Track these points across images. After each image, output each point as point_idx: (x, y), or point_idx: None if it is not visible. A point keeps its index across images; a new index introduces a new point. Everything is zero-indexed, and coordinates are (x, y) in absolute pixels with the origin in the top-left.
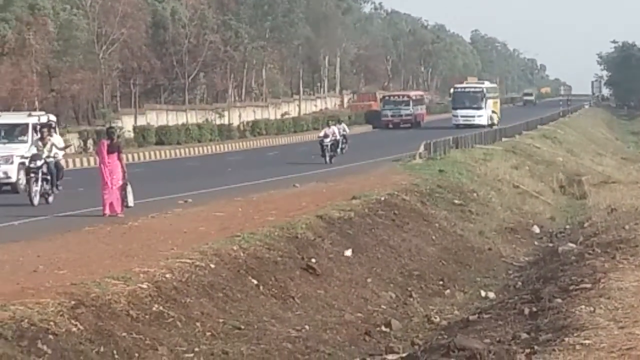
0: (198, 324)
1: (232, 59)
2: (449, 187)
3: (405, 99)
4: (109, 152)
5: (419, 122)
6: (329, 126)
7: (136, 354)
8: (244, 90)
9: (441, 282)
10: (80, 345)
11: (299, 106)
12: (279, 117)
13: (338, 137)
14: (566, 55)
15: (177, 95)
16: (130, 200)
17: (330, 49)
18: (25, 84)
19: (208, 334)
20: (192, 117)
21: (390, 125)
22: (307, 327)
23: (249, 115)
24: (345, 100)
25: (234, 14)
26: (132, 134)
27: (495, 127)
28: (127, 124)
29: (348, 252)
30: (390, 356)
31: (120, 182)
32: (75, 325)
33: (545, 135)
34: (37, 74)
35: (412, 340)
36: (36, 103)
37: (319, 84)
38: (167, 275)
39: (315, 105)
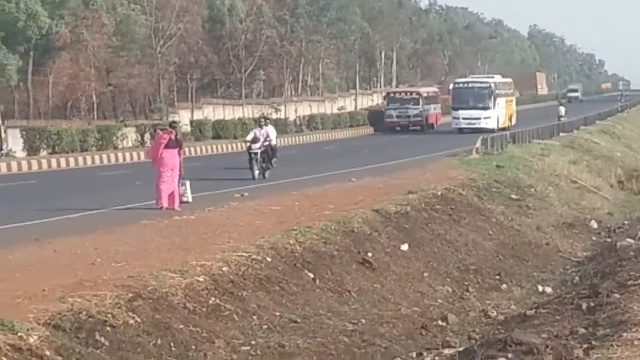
0: (254, 317)
1: (289, 54)
2: (506, 181)
3: (414, 96)
4: (171, 146)
5: (431, 124)
6: (260, 126)
7: (193, 347)
8: (300, 85)
9: (498, 277)
10: (138, 337)
11: (355, 101)
12: (335, 111)
13: (272, 142)
14: (625, 50)
15: (233, 89)
16: (189, 196)
17: (387, 43)
18: (83, 78)
19: (264, 327)
20: (249, 112)
21: (398, 128)
22: (363, 320)
23: (305, 109)
24: None
25: (290, 9)
26: (189, 128)
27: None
28: (184, 118)
29: (404, 247)
30: (446, 350)
31: (178, 177)
32: (133, 318)
33: (603, 131)
34: (95, 69)
35: (469, 335)
36: (93, 97)
37: (375, 79)
38: (224, 269)
39: (372, 100)
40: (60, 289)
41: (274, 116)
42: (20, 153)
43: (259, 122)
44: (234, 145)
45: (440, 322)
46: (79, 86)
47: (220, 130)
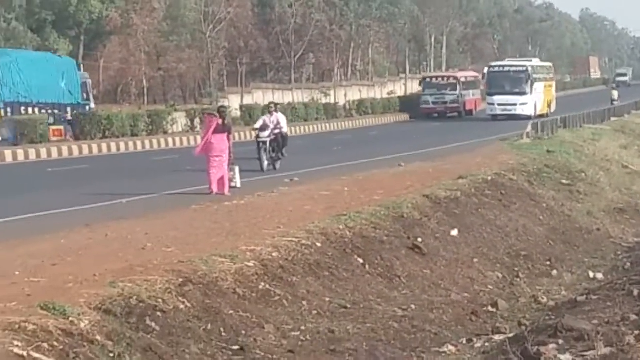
0: (304, 302)
1: (338, 38)
2: (557, 167)
3: (452, 80)
4: (219, 131)
5: (469, 111)
6: (270, 113)
7: (243, 332)
8: (349, 70)
9: (548, 263)
10: (188, 322)
11: (405, 85)
12: (385, 96)
13: (284, 130)
14: None
15: (283, 74)
16: (238, 181)
17: (437, 27)
18: (133, 63)
19: (314, 312)
20: (298, 96)
21: (435, 115)
22: (413, 306)
23: (355, 94)
24: None
25: None
26: (239, 113)
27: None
28: (233, 102)
29: (454, 232)
30: (497, 336)
31: (228, 162)
32: (183, 303)
33: None
34: (145, 53)
35: (519, 321)
36: (144, 82)
37: (425, 63)
38: (274, 254)
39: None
40: (111, 274)
41: (324, 101)
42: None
43: (268, 109)
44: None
45: (490, 308)
46: (129, 71)
47: None
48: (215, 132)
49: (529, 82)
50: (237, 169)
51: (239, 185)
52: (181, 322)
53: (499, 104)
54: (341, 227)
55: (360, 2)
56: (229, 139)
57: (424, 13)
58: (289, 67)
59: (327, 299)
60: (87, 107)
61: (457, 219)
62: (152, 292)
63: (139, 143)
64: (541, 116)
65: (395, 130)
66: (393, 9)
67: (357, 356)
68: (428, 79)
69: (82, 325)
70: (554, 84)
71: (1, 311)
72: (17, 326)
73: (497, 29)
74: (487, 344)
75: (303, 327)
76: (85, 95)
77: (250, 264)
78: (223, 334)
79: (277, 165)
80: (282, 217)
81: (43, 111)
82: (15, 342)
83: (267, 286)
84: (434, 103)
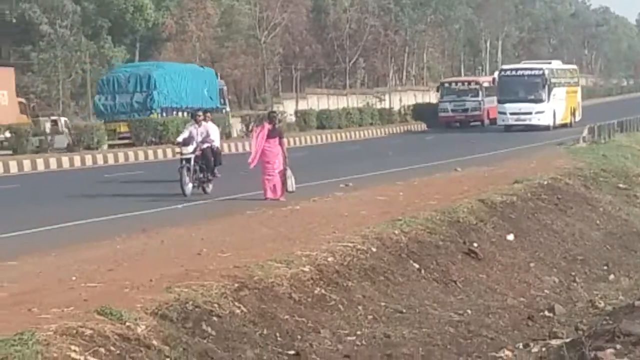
0: (360, 307)
1: (393, 43)
2: (614, 171)
3: (473, 86)
4: (271, 136)
5: (494, 119)
6: (197, 122)
7: (298, 337)
8: (404, 74)
9: (605, 267)
10: (244, 327)
11: None
12: None
13: (215, 144)
14: None
15: (337, 79)
16: (292, 185)
17: (492, 31)
18: None
19: (370, 317)
20: (353, 101)
21: (456, 124)
22: (469, 311)
23: (410, 99)
24: None
25: None
26: (293, 118)
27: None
28: (288, 108)
29: (510, 237)
30: (553, 341)
31: (282, 167)
32: (239, 308)
33: None
34: (200, 59)
35: (576, 326)
36: None
37: (480, 68)
38: (329, 259)
39: None
40: (167, 279)
41: (378, 106)
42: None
43: (194, 117)
44: (338, 135)
45: (547, 313)
46: None
47: (324, 120)
48: (267, 137)
49: (546, 87)
50: (289, 172)
51: (294, 189)
52: (237, 327)
53: (511, 113)
54: (396, 232)
55: (415, 7)
56: (281, 144)
57: (479, 17)
58: (344, 72)
59: (383, 304)
60: (224, 110)
61: (513, 223)
62: (208, 297)
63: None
64: (564, 125)
65: (451, 135)
66: (448, 13)
67: None
68: (446, 84)
69: (139, 330)
70: (578, 89)
71: (59, 316)
72: (74, 331)
73: (553, 33)
74: (543, 349)
75: (359, 332)
76: (222, 100)
77: (306, 269)
78: (279, 338)
79: (209, 189)
80: (337, 222)
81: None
82: (73, 347)
83: (323, 291)
84: (453, 110)
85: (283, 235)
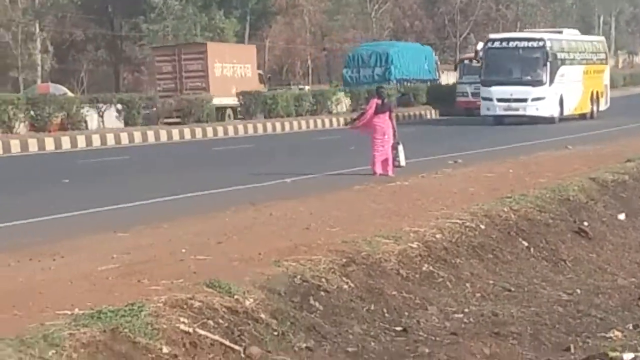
0: (467, 284)
1: (504, 18)
2: None
3: None
4: (380, 111)
5: None
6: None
7: (406, 313)
8: None
9: None
10: (351, 302)
11: None
12: None
13: None
14: None
15: (448, 54)
16: (402, 160)
17: (605, 7)
18: (299, 43)
19: (477, 295)
20: None
21: (476, 110)
22: (578, 290)
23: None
24: (620, 61)
25: None
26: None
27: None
28: None
29: (621, 216)
30: None
31: (392, 142)
32: (347, 283)
33: None
34: (310, 33)
35: None
36: (308, 62)
37: None
38: (437, 236)
39: None
40: (275, 253)
41: None
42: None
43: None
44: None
45: None
46: (294, 50)
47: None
48: (377, 112)
49: (548, 64)
50: (401, 147)
51: (403, 164)
52: (344, 302)
53: (499, 100)
54: (505, 209)
55: None
56: (391, 119)
57: None
58: (454, 47)
59: (491, 282)
60: (438, 82)
61: (625, 202)
62: (316, 271)
63: (303, 123)
64: (582, 116)
65: None
66: None
67: (520, 340)
68: (467, 61)
69: (247, 303)
70: (606, 69)
71: (168, 288)
72: (183, 303)
73: None
74: None
75: (466, 310)
76: (437, 73)
77: (414, 245)
78: (386, 314)
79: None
80: (445, 199)
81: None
82: (182, 319)
83: (431, 268)
84: (473, 94)
85: (391, 211)
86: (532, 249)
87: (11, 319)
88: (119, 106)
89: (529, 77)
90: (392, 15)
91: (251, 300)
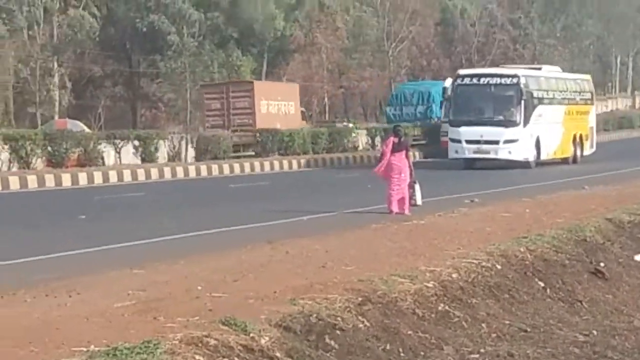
0: (484, 324)
1: (522, 57)
2: None
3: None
4: (397, 150)
5: None
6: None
7: (421, 353)
8: None
9: None
10: (367, 341)
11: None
12: None
13: None
14: None
15: None
16: (419, 199)
17: (622, 48)
18: (316, 80)
19: (493, 335)
20: None
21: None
22: (594, 332)
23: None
24: (637, 101)
25: (524, 12)
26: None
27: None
28: None
29: (638, 257)
30: None
31: (408, 180)
32: (362, 322)
33: None
34: (328, 71)
35: None
36: (325, 99)
37: (609, 84)
38: (453, 275)
39: (606, 106)
40: (291, 291)
41: None
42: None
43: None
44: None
45: None
46: (311, 88)
47: None
48: (393, 151)
49: (522, 103)
50: (417, 186)
51: (419, 202)
52: (360, 341)
53: (468, 141)
54: (522, 249)
55: (544, 21)
56: (407, 157)
57: (610, 33)
58: None
59: (507, 322)
60: None
61: None
62: (332, 310)
63: (319, 160)
64: (564, 161)
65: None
66: (578, 28)
67: None
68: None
69: (263, 341)
70: (592, 110)
71: (184, 325)
72: (199, 341)
73: None
74: None
75: (482, 350)
76: None
77: (430, 285)
78: (402, 354)
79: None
80: (462, 238)
81: None
82: (197, 357)
83: (447, 307)
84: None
85: (407, 250)
86: (548, 290)
87: (28, 355)
88: (136, 142)
89: (501, 117)
90: (409, 53)
91: (267, 338)
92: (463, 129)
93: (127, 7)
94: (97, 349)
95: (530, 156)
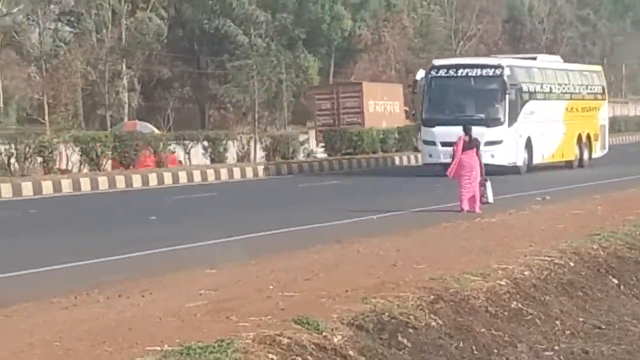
0: (557, 322)
1: (591, 54)
2: None
3: None
4: (467, 148)
5: None
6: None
7: (495, 350)
8: None
9: None
10: (439, 339)
11: None
12: (639, 113)
13: None
14: None
15: None
16: (490, 197)
17: None
18: (383, 80)
19: (567, 332)
20: None
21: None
22: None
23: (608, 111)
24: None
25: (593, 8)
26: None
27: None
28: None
29: None
30: None
31: (479, 178)
32: (435, 320)
33: None
34: (395, 70)
35: None
36: None
37: None
38: (526, 273)
39: None
40: (362, 290)
41: None
42: (320, 154)
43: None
44: None
45: None
46: None
47: None
48: (464, 149)
49: (506, 98)
50: (488, 184)
51: (490, 200)
52: (432, 340)
53: (443, 143)
54: (595, 246)
55: (613, 18)
56: (478, 155)
57: None
58: None
59: (581, 319)
60: None
61: None
62: (404, 308)
63: (388, 159)
64: (568, 164)
65: None
66: None
67: None
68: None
69: (335, 340)
70: (603, 105)
71: (257, 324)
72: (272, 340)
73: None
74: None
75: (556, 347)
76: None
77: (502, 283)
78: (475, 352)
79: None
80: (533, 236)
81: None
82: (270, 356)
83: (519, 305)
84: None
85: (479, 248)
86: (622, 287)
87: (102, 354)
88: (205, 143)
89: (482, 115)
90: (477, 51)
91: (339, 337)
92: (437, 129)
93: (195, 9)
94: (170, 348)
95: (519, 160)
